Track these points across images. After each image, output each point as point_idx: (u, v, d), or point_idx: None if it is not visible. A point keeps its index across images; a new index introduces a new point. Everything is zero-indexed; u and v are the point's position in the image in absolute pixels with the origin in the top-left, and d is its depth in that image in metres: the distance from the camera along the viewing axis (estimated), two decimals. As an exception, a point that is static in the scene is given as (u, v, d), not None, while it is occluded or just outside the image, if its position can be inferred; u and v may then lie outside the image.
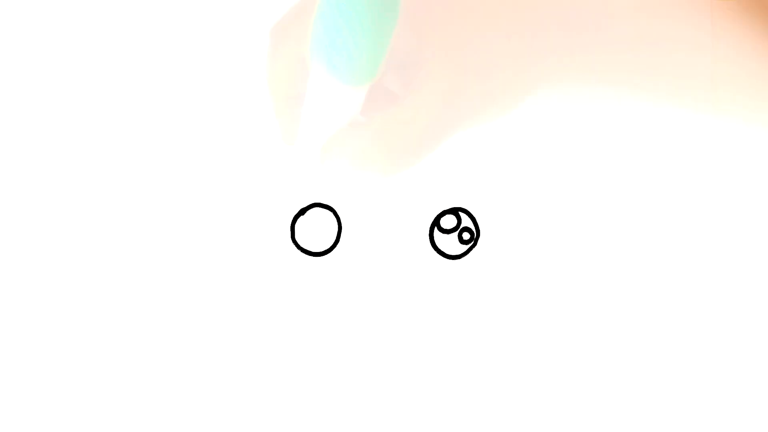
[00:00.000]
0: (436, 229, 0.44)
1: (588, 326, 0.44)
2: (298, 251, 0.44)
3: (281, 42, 0.38)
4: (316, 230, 0.44)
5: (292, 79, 0.38)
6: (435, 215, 0.44)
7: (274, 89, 0.39)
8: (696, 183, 0.45)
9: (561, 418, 0.43)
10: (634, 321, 0.44)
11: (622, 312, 0.44)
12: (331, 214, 0.44)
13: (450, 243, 0.44)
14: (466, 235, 0.44)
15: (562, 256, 0.44)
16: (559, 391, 0.43)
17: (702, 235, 0.44)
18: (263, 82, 0.46)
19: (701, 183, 0.45)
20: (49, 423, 0.43)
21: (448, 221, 0.44)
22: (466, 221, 0.44)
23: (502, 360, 0.43)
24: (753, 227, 0.45)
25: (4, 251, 0.44)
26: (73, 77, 0.46)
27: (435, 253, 0.44)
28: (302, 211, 0.44)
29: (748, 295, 0.44)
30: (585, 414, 0.43)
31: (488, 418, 0.43)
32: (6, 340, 0.44)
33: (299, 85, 0.39)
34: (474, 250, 0.44)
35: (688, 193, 0.45)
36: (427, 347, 0.44)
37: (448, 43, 0.37)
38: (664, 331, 0.44)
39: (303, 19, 0.38)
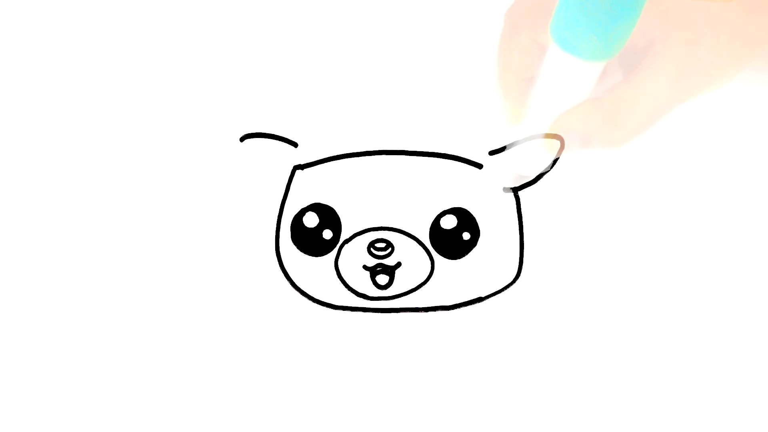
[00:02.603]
0: (436, 229, 0.44)
1: (589, 326, 0.44)
2: (298, 251, 0.44)
3: (517, 26, 0.41)
4: (315, 230, 0.44)
5: (526, 63, 0.41)
6: (435, 215, 0.44)
7: (505, 72, 0.41)
8: (694, 185, 0.45)
9: (562, 417, 0.43)
10: (634, 320, 0.44)
11: (623, 311, 0.44)
12: (331, 213, 0.44)
13: (450, 243, 0.44)
14: (466, 235, 0.44)
15: (562, 257, 0.44)
16: (560, 391, 0.43)
17: (704, 237, 0.44)
18: (262, 81, 0.46)
19: (700, 185, 0.45)
20: (48, 423, 0.43)
21: (448, 221, 0.44)
22: (466, 221, 0.44)
23: (502, 360, 0.43)
24: (753, 229, 0.45)
25: (3, 251, 0.45)
26: (73, 77, 0.46)
27: (435, 252, 0.44)
28: (302, 212, 0.44)
29: (749, 295, 0.44)
30: (586, 413, 0.43)
31: (489, 419, 0.43)
32: (5, 339, 0.44)
33: (532, 68, 0.41)
34: (474, 250, 0.44)
35: (688, 194, 0.45)
36: (426, 347, 0.44)
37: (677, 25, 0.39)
38: (663, 328, 0.44)
39: (538, 3, 0.40)
